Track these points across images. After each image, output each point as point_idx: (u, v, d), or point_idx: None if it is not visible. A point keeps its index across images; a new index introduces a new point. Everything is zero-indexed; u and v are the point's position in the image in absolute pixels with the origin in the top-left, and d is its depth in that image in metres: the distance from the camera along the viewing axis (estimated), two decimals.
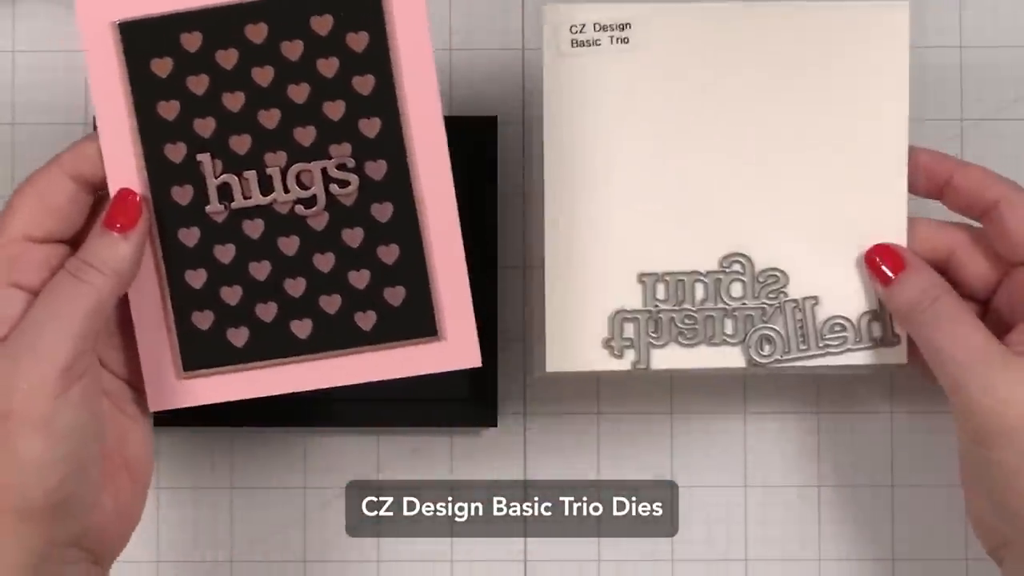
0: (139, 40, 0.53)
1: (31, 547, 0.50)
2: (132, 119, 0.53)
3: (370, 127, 0.53)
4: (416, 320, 0.54)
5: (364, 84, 0.53)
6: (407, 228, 0.54)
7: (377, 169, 0.54)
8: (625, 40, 0.58)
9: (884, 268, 0.57)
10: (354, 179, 0.54)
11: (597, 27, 0.58)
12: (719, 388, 0.66)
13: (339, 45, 0.53)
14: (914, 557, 0.65)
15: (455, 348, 0.55)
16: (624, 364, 0.59)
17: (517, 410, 0.65)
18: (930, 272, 0.57)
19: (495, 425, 0.64)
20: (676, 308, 0.59)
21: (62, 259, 0.52)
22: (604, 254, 0.59)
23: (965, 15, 0.66)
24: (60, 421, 0.50)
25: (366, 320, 0.54)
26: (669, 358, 0.59)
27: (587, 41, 0.58)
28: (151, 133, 0.53)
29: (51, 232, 0.53)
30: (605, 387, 0.65)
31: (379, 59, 0.53)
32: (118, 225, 0.52)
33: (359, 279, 0.54)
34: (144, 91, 0.53)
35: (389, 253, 0.54)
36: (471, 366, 0.55)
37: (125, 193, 0.53)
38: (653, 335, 0.59)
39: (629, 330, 0.59)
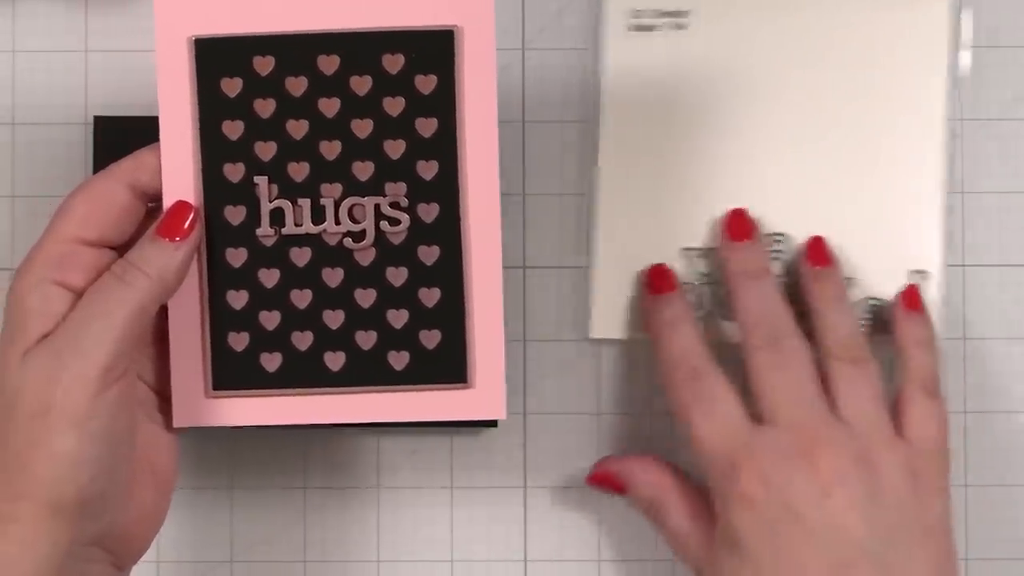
0: (213, 58, 0.54)
1: (58, 542, 0.50)
2: (195, 134, 0.54)
3: (427, 169, 0.54)
4: (448, 366, 0.55)
5: (426, 126, 0.54)
6: (451, 273, 0.54)
7: (429, 212, 0.54)
8: (682, 27, 0.63)
9: (614, 482, 0.62)
10: (405, 219, 0.54)
11: (656, 13, 0.62)
12: None
13: (407, 85, 0.54)
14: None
15: (482, 397, 0.55)
16: None
17: (517, 410, 0.65)
18: (651, 477, 0.61)
19: (495, 425, 0.64)
20: (717, 283, 0.62)
21: (109, 264, 0.53)
22: (651, 227, 0.62)
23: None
24: (96, 420, 0.50)
25: (399, 360, 0.55)
26: (708, 330, 0.62)
27: (646, 26, 0.63)
28: (212, 150, 0.54)
29: (101, 236, 0.53)
30: (605, 387, 0.65)
31: (444, 103, 0.54)
32: (171, 233, 0.53)
33: (397, 318, 0.55)
34: (211, 108, 0.54)
35: (430, 296, 0.54)
36: (495, 417, 0.55)
37: (182, 205, 0.54)
38: (696, 307, 0.62)
39: None
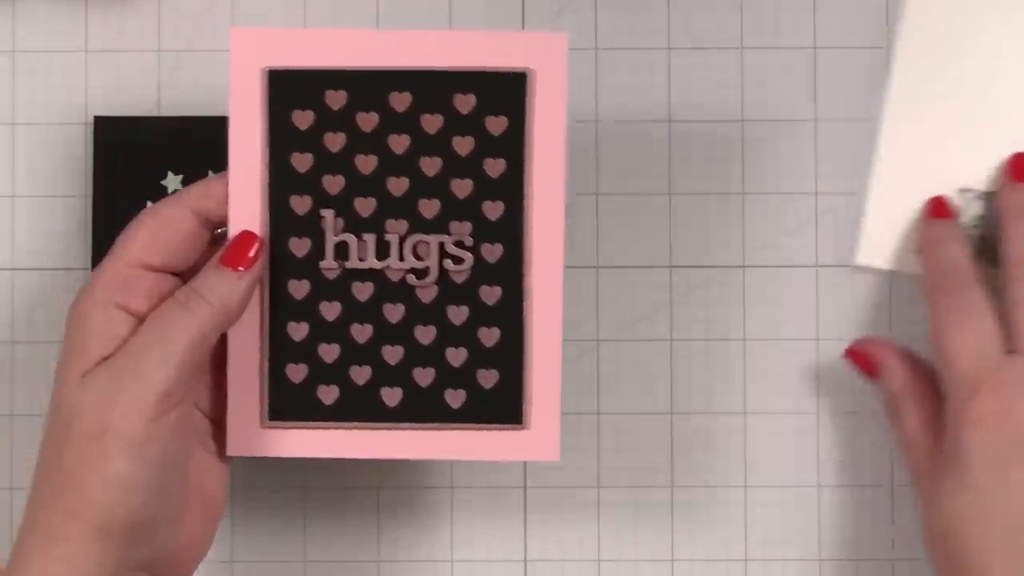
0: (285, 90, 0.54)
1: (105, 564, 0.50)
2: (264, 165, 0.54)
3: (493, 210, 0.54)
4: (504, 406, 0.55)
5: (495, 167, 0.54)
6: (511, 314, 0.54)
7: (492, 252, 0.54)
8: None
9: (862, 371, 0.62)
10: (469, 258, 0.54)
11: None
12: (719, 387, 0.65)
13: (477, 125, 0.54)
14: (914, 557, 0.64)
15: (537, 439, 0.55)
16: None
17: None
18: (895, 378, 0.60)
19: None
20: (990, 227, 0.62)
21: (171, 289, 0.53)
22: (933, 164, 0.63)
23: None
24: (152, 445, 0.50)
25: (455, 398, 0.55)
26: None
27: None
28: (280, 182, 0.54)
29: (165, 262, 0.53)
30: (604, 387, 0.65)
31: (514, 145, 0.54)
32: (235, 263, 0.53)
33: (456, 357, 0.55)
34: (281, 140, 0.54)
35: (490, 336, 0.55)
36: (549, 459, 0.55)
37: (248, 235, 0.54)
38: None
39: None
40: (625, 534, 0.65)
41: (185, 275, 0.54)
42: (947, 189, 0.63)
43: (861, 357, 0.62)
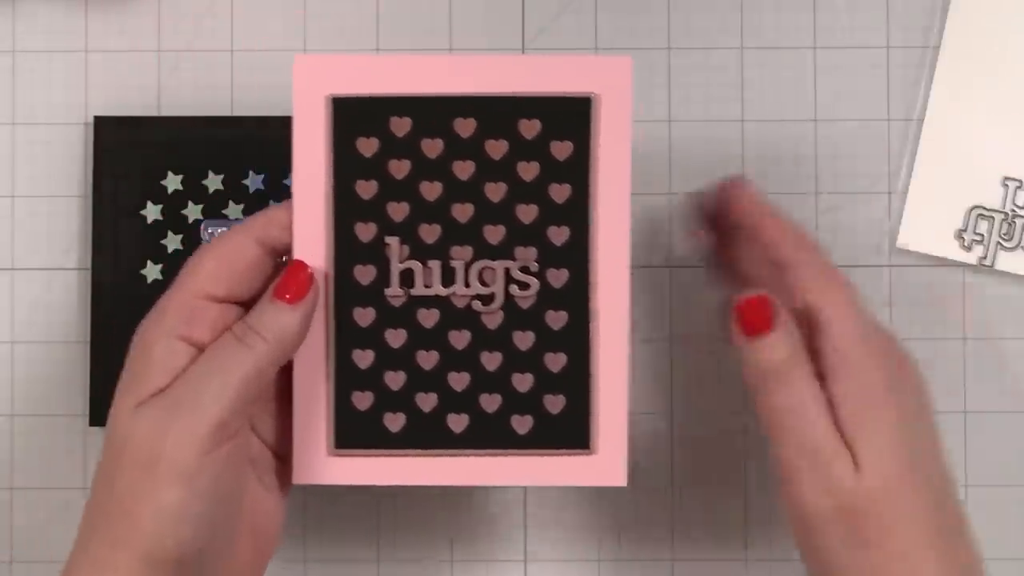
0: (350, 117, 0.54)
1: None
2: (329, 192, 0.54)
3: (558, 235, 0.54)
4: (571, 431, 0.54)
5: (560, 192, 0.54)
6: (578, 339, 0.54)
7: (558, 277, 0.54)
8: None
9: (755, 321, 0.53)
10: (535, 283, 0.54)
11: None
12: (721, 386, 0.66)
13: (542, 151, 0.54)
14: None
15: (604, 464, 0.55)
16: (970, 258, 0.64)
17: None
18: (793, 337, 0.53)
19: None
20: None
21: (234, 319, 0.53)
22: (975, 151, 0.64)
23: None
24: (203, 478, 0.50)
25: (522, 424, 0.54)
26: (1016, 262, 0.63)
27: None
28: (345, 209, 0.54)
29: (229, 293, 0.53)
30: None
31: (579, 170, 0.54)
32: (287, 296, 0.53)
33: (522, 382, 0.54)
34: (346, 167, 0.54)
35: (556, 361, 0.54)
36: (616, 484, 0.55)
37: (299, 265, 0.53)
38: (1005, 237, 0.63)
39: (983, 227, 0.63)
40: (625, 534, 0.65)
41: (249, 304, 0.54)
42: (991, 176, 0.64)
43: (759, 309, 0.54)
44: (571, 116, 0.54)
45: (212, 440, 0.50)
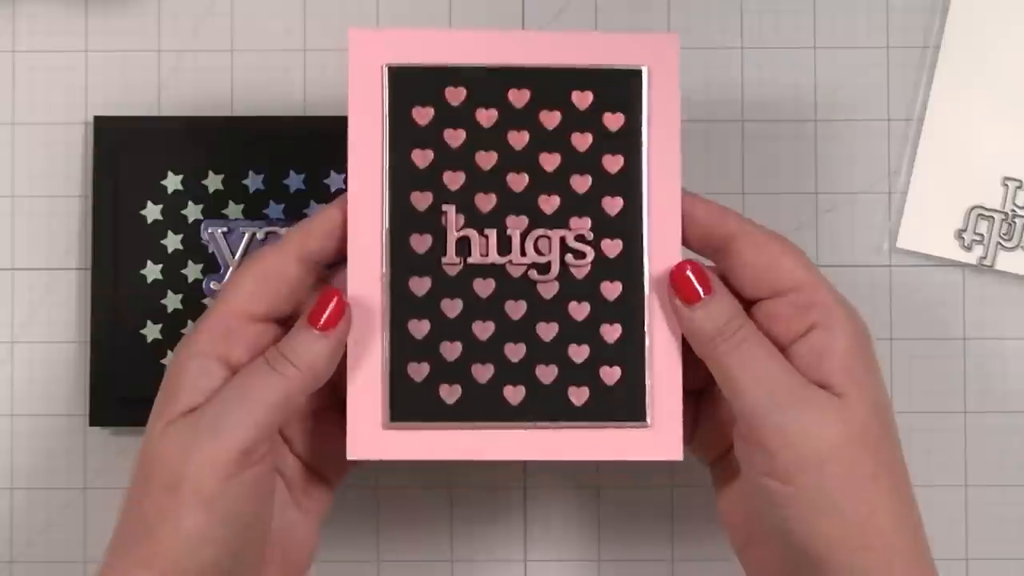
0: (406, 86, 0.54)
1: None
2: (384, 161, 0.54)
3: (612, 205, 0.55)
4: (627, 403, 0.54)
5: (613, 163, 0.55)
6: (632, 310, 0.54)
7: (613, 247, 0.54)
8: None
9: (695, 285, 0.54)
10: (590, 252, 0.54)
11: None
12: None
13: (595, 122, 0.55)
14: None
15: (659, 437, 0.54)
16: (970, 258, 0.65)
17: None
18: (733, 299, 0.54)
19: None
20: None
21: (272, 340, 0.53)
22: (975, 151, 0.64)
23: None
24: (225, 502, 0.50)
25: (579, 395, 0.54)
26: (1016, 262, 0.64)
27: None
28: (401, 178, 0.54)
29: (269, 312, 0.53)
30: None
31: (631, 141, 0.55)
32: (320, 324, 0.52)
33: (578, 353, 0.54)
34: (402, 136, 0.54)
35: (611, 332, 0.54)
36: (672, 458, 0.55)
37: (331, 293, 0.53)
38: (1004, 237, 0.64)
39: (983, 227, 0.64)
40: (625, 534, 0.65)
41: (290, 321, 0.53)
42: (991, 176, 0.65)
43: (696, 274, 0.54)
44: (622, 88, 0.55)
45: (236, 465, 0.50)
